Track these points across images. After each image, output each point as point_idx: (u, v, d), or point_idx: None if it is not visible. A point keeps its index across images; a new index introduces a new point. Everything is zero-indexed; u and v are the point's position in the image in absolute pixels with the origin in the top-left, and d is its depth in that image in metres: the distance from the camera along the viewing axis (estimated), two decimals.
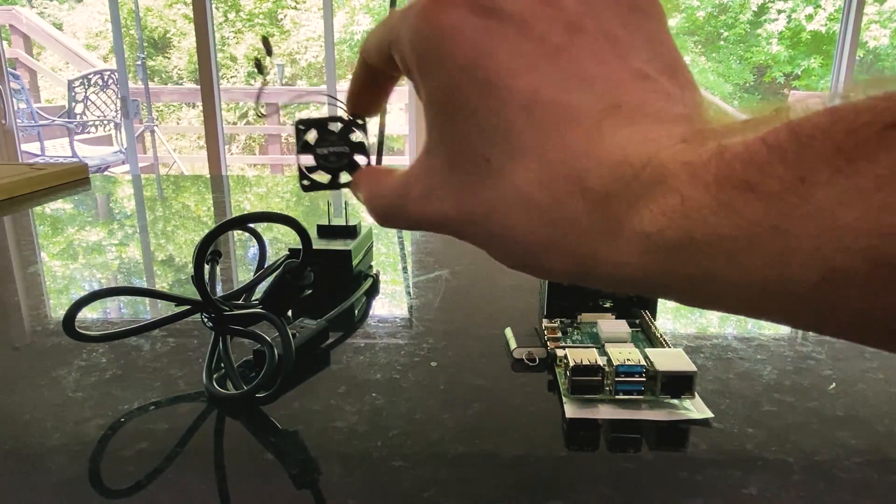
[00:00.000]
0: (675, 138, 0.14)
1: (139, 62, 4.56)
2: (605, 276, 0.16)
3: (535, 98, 0.16)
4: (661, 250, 0.14)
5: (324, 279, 0.45)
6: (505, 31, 0.17)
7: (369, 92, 0.24)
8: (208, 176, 1.17)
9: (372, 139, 0.26)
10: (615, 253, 0.15)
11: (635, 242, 0.15)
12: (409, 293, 0.51)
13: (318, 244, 0.51)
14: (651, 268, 0.14)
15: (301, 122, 0.25)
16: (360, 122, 0.25)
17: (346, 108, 0.25)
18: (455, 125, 0.18)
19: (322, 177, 0.25)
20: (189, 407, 0.33)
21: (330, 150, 0.25)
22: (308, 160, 0.25)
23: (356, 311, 0.46)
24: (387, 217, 0.22)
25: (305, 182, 0.25)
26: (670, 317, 0.46)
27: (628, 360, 0.32)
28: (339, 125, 0.25)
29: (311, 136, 0.25)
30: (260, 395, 0.33)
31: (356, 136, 0.25)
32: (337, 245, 0.51)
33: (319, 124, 0.25)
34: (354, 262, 0.51)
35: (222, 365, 0.36)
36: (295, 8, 7.88)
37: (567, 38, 0.17)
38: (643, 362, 0.32)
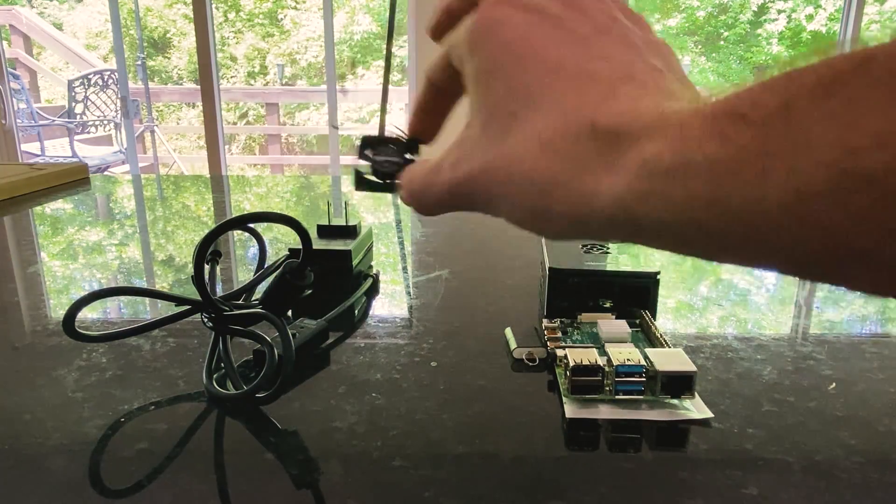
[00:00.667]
0: (683, 102, 0.17)
1: (139, 62, 4.56)
2: (601, 213, 0.17)
3: (560, 64, 0.19)
4: (655, 175, 0.16)
5: (324, 279, 0.45)
6: (543, 23, 0.20)
7: (430, 113, 0.27)
8: (208, 176, 1.17)
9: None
10: (615, 181, 0.17)
11: (634, 169, 0.16)
12: (409, 293, 0.51)
13: (318, 244, 0.51)
14: (644, 194, 0.16)
15: (366, 137, 0.28)
16: (415, 142, 0.28)
17: (405, 132, 0.28)
18: (490, 90, 0.21)
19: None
20: (189, 407, 0.33)
21: (385, 159, 0.28)
22: (363, 166, 0.28)
23: (356, 311, 0.46)
24: (422, 194, 0.24)
25: (361, 182, 0.29)
26: (670, 317, 0.46)
27: (628, 360, 0.32)
28: (396, 145, 0.28)
29: (371, 149, 0.28)
30: (260, 395, 0.33)
31: (410, 155, 0.28)
32: (337, 245, 0.51)
33: (381, 141, 0.28)
34: (354, 262, 0.51)
35: (222, 365, 0.36)
36: (295, 8, 7.88)
37: (594, 34, 0.20)
38: (643, 362, 0.32)
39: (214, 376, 0.35)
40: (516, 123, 0.20)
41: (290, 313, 0.44)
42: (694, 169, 0.15)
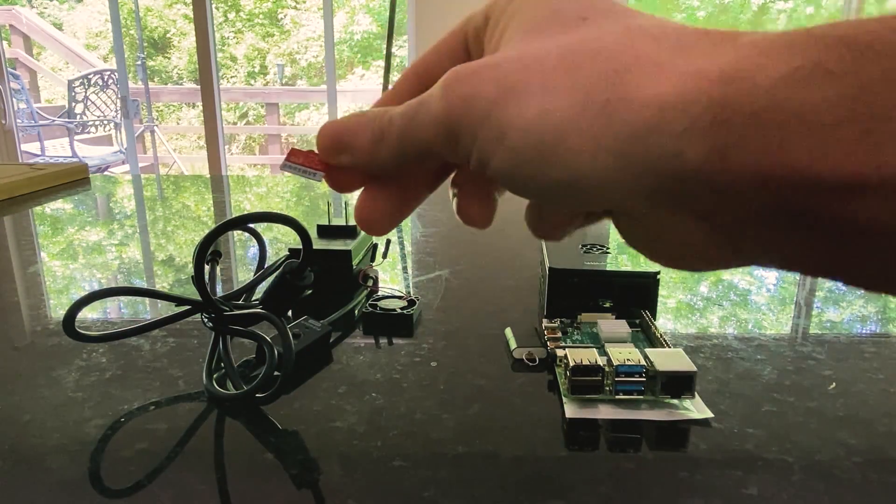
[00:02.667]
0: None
1: (139, 62, 4.56)
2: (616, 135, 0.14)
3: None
4: (709, 79, 0.13)
5: (324, 279, 0.45)
6: None
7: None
8: (208, 176, 1.17)
9: None
10: (656, 83, 0.14)
11: (685, 75, 0.14)
12: (409, 293, 0.51)
13: (318, 244, 0.51)
14: (688, 102, 0.14)
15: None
16: None
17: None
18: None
19: None
20: (189, 407, 0.33)
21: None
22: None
23: (356, 312, 0.46)
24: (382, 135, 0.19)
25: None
26: (670, 317, 0.46)
27: (628, 360, 0.32)
28: None
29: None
30: (260, 395, 0.33)
31: None
32: (337, 245, 0.51)
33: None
34: (354, 262, 0.51)
35: (222, 365, 0.36)
36: (295, 8, 7.88)
37: None
38: (643, 362, 0.32)
39: (214, 376, 0.35)
40: (579, 25, 0.16)
41: (290, 313, 0.44)
42: (741, 84, 0.13)
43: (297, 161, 0.21)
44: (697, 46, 0.15)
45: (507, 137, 0.16)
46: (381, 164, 0.20)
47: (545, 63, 0.16)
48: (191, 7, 3.00)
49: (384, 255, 0.50)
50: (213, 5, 3.10)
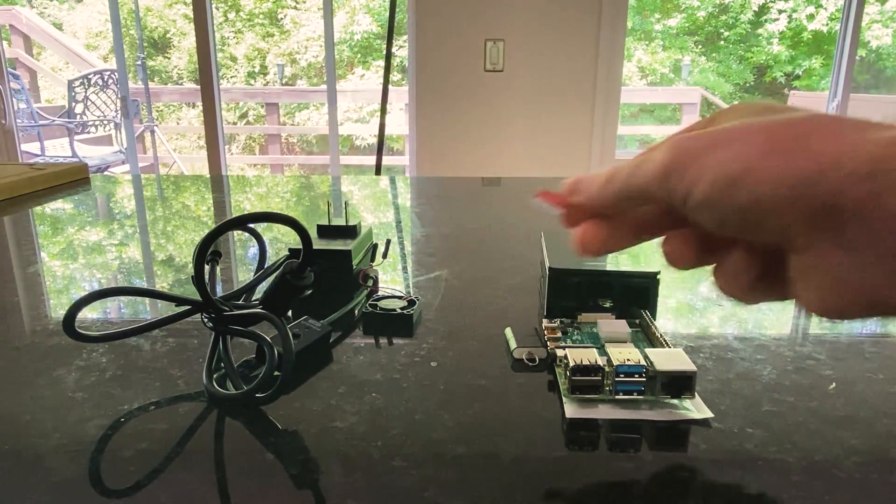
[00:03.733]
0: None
1: (139, 62, 4.56)
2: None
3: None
4: (874, 143, 0.18)
5: (324, 279, 0.45)
6: None
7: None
8: (208, 176, 1.17)
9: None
10: (832, 144, 0.19)
11: (855, 141, 0.18)
12: (409, 293, 0.51)
13: (318, 244, 0.51)
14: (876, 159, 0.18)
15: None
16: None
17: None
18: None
19: None
20: (189, 407, 0.33)
21: None
22: None
23: (356, 311, 0.46)
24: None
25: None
26: (670, 317, 0.46)
27: (628, 360, 0.32)
28: None
29: None
30: (260, 395, 0.33)
31: None
32: (337, 245, 0.51)
33: None
34: (354, 262, 0.51)
35: (222, 365, 0.36)
36: (295, 8, 7.88)
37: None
38: (643, 362, 0.32)
39: (214, 376, 0.35)
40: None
41: (290, 313, 0.44)
42: None
43: (545, 198, 0.27)
44: (865, 125, 0.19)
45: (707, 171, 0.20)
46: (605, 202, 0.25)
47: (748, 129, 0.20)
48: (191, 7, 3.00)
49: (384, 256, 0.50)
50: (213, 5, 3.10)
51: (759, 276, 0.23)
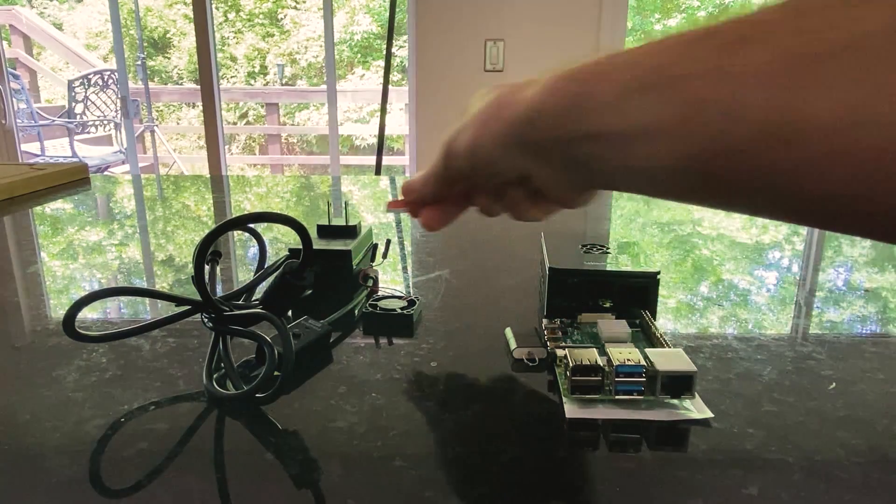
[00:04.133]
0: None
1: (139, 62, 4.56)
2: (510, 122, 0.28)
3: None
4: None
5: (324, 279, 0.45)
6: None
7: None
8: (208, 176, 1.17)
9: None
10: (518, 101, 0.27)
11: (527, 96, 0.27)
12: (408, 293, 0.51)
13: (317, 244, 0.51)
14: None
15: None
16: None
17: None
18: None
19: None
20: (189, 407, 0.33)
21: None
22: None
23: (356, 311, 0.46)
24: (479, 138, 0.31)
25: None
26: (670, 317, 0.46)
27: (628, 360, 0.32)
28: None
29: None
30: (259, 395, 0.33)
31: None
32: (337, 245, 0.51)
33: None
34: (354, 262, 0.51)
35: (222, 365, 0.36)
36: (295, 8, 7.88)
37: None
38: (643, 362, 0.32)
39: (214, 376, 0.35)
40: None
41: (289, 313, 0.44)
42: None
43: (392, 206, 0.39)
44: (527, 83, 0.28)
45: (462, 147, 0.31)
46: (428, 192, 0.36)
47: (475, 114, 0.30)
48: (191, 7, 3.00)
49: (384, 256, 0.50)
50: (213, 5, 3.10)
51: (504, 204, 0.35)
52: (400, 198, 0.38)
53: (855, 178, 0.17)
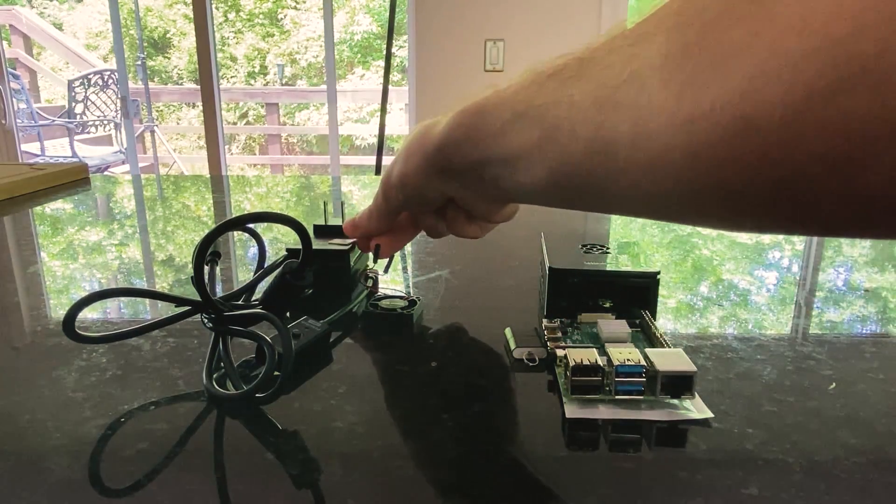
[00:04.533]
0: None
1: (139, 62, 4.56)
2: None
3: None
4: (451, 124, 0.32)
5: (322, 279, 0.45)
6: None
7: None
8: (208, 176, 1.17)
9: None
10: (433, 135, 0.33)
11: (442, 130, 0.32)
12: (409, 293, 0.51)
13: (315, 244, 0.51)
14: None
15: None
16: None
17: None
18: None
19: None
20: (189, 407, 0.33)
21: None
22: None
23: (356, 311, 0.46)
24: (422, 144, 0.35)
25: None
26: (670, 317, 0.46)
27: (628, 360, 0.32)
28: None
29: None
30: (260, 395, 0.33)
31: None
32: (335, 245, 0.51)
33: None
34: (352, 263, 0.51)
35: (222, 365, 0.36)
36: (295, 8, 7.88)
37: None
38: (643, 362, 0.32)
39: (214, 376, 0.35)
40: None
41: (288, 313, 0.44)
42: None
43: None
44: (435, 122, 0.33)
45: (394, 179, 0.37)
46: (373, 226, 0.42)
47: (401, 148, 0.36)
48: (191, 7, 3.00)
49: (386, 270, 0.50)
50: (213, 5, 3.10)
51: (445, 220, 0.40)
52: (348, 233, 0.44)
53: (654, 179, 0.21)
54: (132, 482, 0.27)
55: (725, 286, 0.54)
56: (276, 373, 0.34)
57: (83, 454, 0.29)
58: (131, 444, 0.30)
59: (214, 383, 0.34)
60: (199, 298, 0.35)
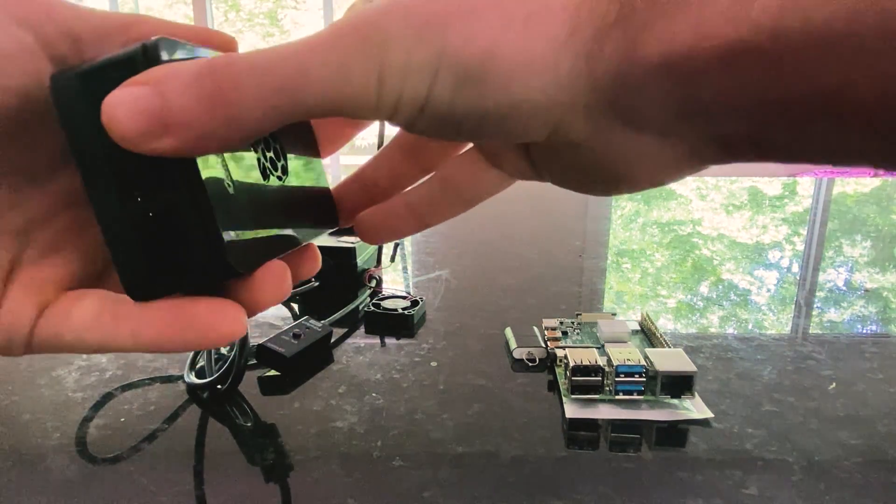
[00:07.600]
0: None
1: None
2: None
3: None
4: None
5: (329, 276, 0.45)
6: None
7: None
8: None
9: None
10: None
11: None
12: (409, 293, 0.51)
13: (321, 240, 0.51)
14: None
15: None
16: None
17: None
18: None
19: None
20: (189, 408, 0.33)
21: None
22: None
23: (359, 311, 0.46)
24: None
25: None
26: (671, 317, 0.46)
27: (628, 360, 0.32)
28: None
29: None
30: (220, 386, 0.34)
31: None
32: (341, 242, 0.51)
33: None
34: (359, 260, 0.51)
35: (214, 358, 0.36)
36: (295, 8, 7.89)
37: None
38: (643, 362, 0.32)
39: (196, 367, 0.36)
40: None
41: (292, 312, 0.44)
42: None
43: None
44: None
45: (443, 64, 0.14)
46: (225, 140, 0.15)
47: None
48: (191, 7, 3.00)
49: (392, 259, 0.50)
50: (213, 5, 3.10)
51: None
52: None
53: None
54: (132, 482, 0.27)
55: (725, 286, 0.54)
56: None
57: (83, 454, 0.29)
58: (131, 443, 0.30)
59: (193, 375, 0.35)
60: None
